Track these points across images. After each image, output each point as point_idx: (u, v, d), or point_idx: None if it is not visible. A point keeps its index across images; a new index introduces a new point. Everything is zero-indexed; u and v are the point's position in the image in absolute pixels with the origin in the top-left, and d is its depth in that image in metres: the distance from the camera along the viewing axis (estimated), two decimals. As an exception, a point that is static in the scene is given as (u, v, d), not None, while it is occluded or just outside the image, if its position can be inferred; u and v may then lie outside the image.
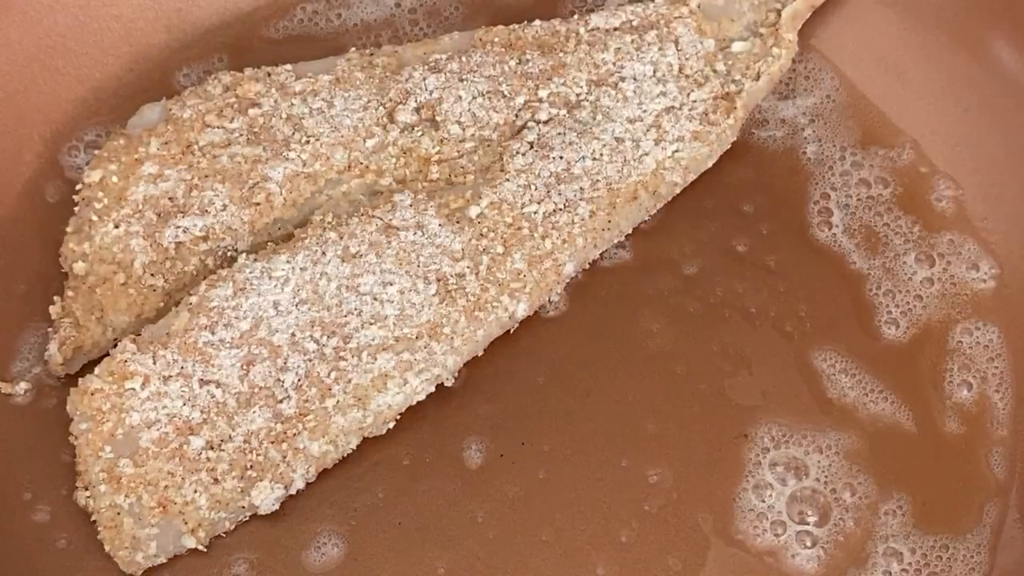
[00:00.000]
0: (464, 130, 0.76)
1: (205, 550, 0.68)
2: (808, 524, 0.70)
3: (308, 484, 0.69)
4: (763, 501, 0.70)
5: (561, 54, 0.78)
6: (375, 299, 0.70)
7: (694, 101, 0.77)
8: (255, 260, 0.71)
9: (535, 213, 0.73)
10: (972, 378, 0.74)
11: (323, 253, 0.71)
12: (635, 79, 0.77)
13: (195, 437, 0.68)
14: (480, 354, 0.73)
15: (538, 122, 0.76)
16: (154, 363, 0.68)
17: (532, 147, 0.75)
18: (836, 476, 0.71)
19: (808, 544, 0.69)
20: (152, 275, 0.72)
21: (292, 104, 0.76)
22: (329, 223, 0.72)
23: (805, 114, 0.82)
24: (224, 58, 0.83)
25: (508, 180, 0.73)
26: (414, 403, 0.70)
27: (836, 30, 0.83)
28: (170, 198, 0.73)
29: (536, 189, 0.73)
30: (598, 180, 0.74)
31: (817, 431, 0.72)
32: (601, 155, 0.75)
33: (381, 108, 0.76)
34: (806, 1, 0.80)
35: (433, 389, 0.71)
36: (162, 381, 0.68)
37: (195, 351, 0.69)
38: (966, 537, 0.70)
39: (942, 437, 0.73)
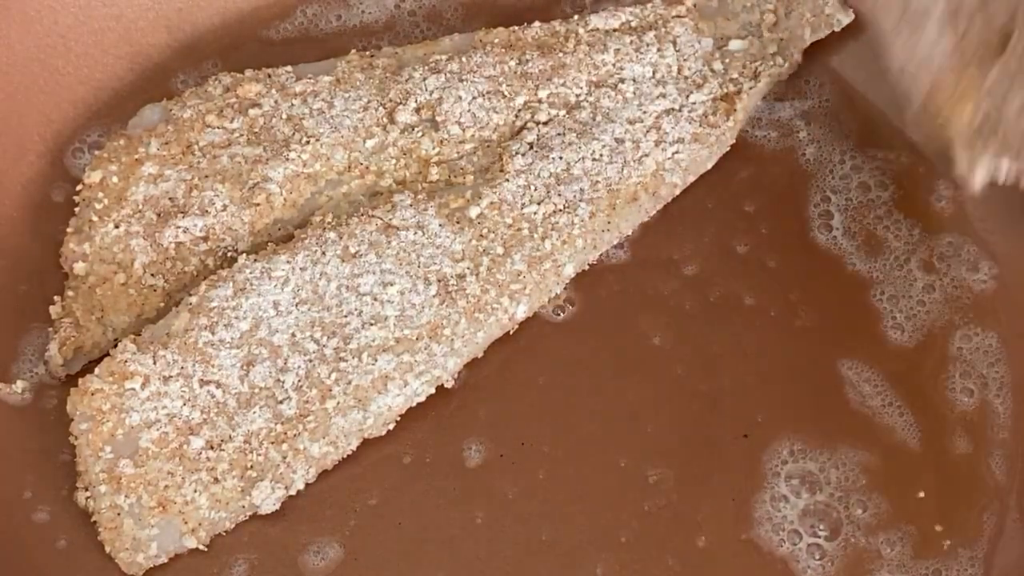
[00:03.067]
0: (464, 131, 0.76)
1: (206, 549, 0.68)
2: (819, 538, 0.69)
3: (308, 484, 0.69)
4: (779, 511, 0.70)
5: (561, 55, 0.78)
6: (375, 300, 0.70)
7: (693, 103, 0.77)
8: (255, 260, 0.71)
9: (535, 214, 0.73)
10: (973, 385, 0.74)
11: (323, 253, 0.71)
12: (635, 80, 0.77)
13: (195, 437, 0.67)
14: (480, 355, 0.73)
15: (538, 123, 0.76)
16: (154, 363, 0.68)
17: (532, 148, 0.75)
18: (847, 491, 0.70)
19: (817, 556, 0.69)
20: (152, 275, 0.72)
21: (292, 105, 0.76)
22: (329, 223, 0.72)
23: (803, 115, 0.81)
24: (224, 59, 0.83)
25: (508, 181, 0.73)
26: (414, 404, 0.70)
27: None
28: (170, 198, 0.73)
29: (536, 190, 0.73)
30: (598, 181, 0.74)
31: (830, 443, 0.71)
32: (601, 156, 0.75)
33: (381, 109, 0.76)
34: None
35: (433, 391, 0.71)
36: (162, 381, 0.68)
37: (195, 351, 0.69)
38: (958, 552, 0.69)
39: (948, 453, 0.72)
